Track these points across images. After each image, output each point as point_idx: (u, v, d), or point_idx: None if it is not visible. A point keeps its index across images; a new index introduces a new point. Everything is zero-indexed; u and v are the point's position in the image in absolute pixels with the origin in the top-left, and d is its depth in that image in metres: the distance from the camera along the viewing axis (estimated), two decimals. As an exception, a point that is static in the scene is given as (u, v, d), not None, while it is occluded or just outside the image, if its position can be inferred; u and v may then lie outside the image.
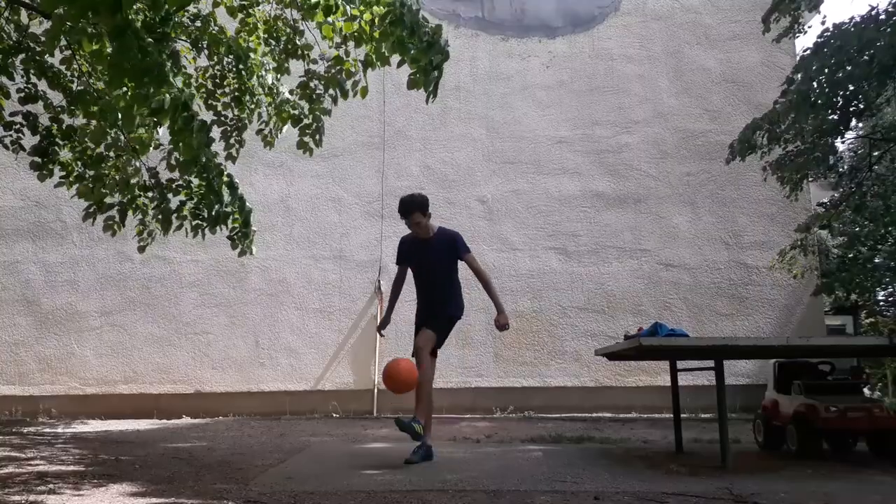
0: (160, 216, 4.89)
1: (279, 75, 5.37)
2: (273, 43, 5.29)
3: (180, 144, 3.52)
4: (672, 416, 5.50)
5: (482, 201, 9.33)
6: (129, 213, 5.08)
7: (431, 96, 4.10)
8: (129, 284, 9.16)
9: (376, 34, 4.03)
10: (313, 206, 9.33)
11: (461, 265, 4.92)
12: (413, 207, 4.82)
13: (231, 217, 4.77)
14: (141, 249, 5.30)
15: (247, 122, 5.48)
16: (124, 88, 3.14)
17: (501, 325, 4.78)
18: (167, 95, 3.18)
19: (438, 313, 4.84)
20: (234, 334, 9.00)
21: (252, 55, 5.16)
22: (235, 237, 5.04)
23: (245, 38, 5.20)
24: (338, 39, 4.37)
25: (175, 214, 4.93)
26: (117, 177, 4.95)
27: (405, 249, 5.02)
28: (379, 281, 8.96)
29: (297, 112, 5.33)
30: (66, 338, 9.05)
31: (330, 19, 4.13)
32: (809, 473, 4.18)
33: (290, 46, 5.33)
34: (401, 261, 5.04)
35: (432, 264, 4.85)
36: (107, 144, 4.89)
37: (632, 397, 8.62)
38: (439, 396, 8.69)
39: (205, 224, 4.85)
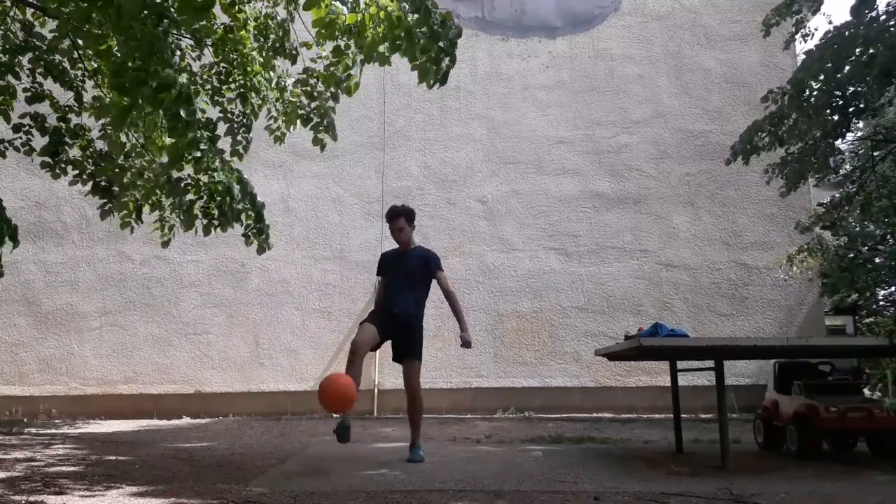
0: (180, 212, 4.90)
1: (272, 74, 5.36)
2: (262, 40, 5.28)
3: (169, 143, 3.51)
4: (672, 416, 5.51)
5: (482, 201, 9.33)
6: (147, 208, 5.10)
7: (439, 83, 4.04)
8: (129, 285, 9.16)
9: (381, 28, 3.99)
10: (313, 207, 9.33)
11: (433, 293, 5.01)
12: (401, 213, 5.01)
13: (245, 213, 4.80)
14: (164, 244, 5.32)
15: (252, 118, 5.48)
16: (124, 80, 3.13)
17: (465, 341, 4.93)
18: (171, 73, 3.15)
19: (413, 326, 4.90)
20: (234, 334, 9.00)
21: (242, 49, 5.14)
22: (250, 234, 5.07)
23: (235, 33, 5.18)
24: (340, 37, 4.33)
25: (184, 212, 4.95)
26: (138, 182, 4.95)
27: (382, 263, 5.20)
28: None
29: (304, 112, 5.33)
30: (66, 338, 9.05)
31: (335, 8, 4.08)
32: (809, 473, 4.19)
33: (277, 45, 5.32)
34: (379, 272, 5.21)
35: (406, 275, 4.94)
36: (121, 145, 4.89)
37: (632, 397, 8.62)
38: (440, 396, 8.73)
39: (217, 222, 4.87)
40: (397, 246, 5.11)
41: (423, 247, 5.20)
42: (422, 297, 4.98)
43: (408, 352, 4.90)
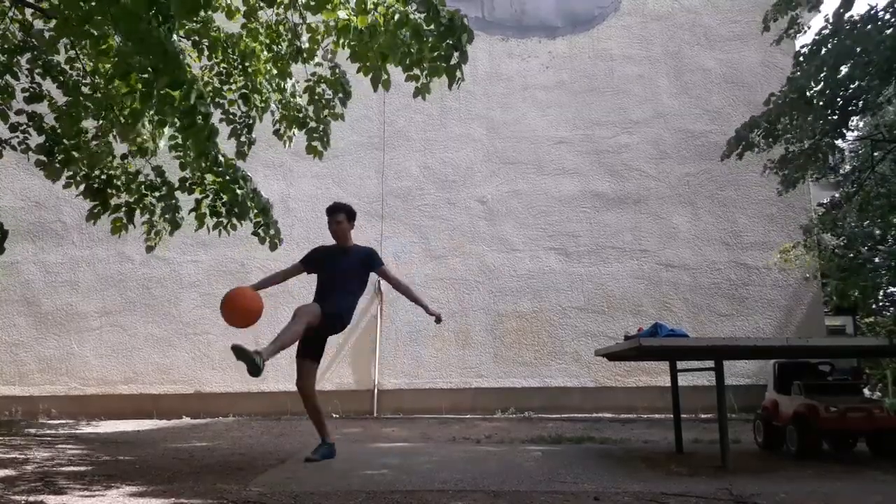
0: (167, 216, 4.92)
1: (282, 81, 5.36)
2: (275, 48, 5.28)
3: (188, 141, 3.53)
4: (672, 416, 5.51)
5: (482, 201, 9.33)
6: (137, 212, 5.11)
7: (457, 83, 4.05)
8: (129, 285, 9.16)
9: (390, 26, 4.00)
10: (313, 207, 9.32)
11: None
12: (342, 208, 4.87)
13: (251, 210, 4.81)
14: (149, 249, 5.32)
15: (258, 119, 5.49)
16: (132, 83, 3.15)
17: (437, 316, 4.78)
18: (188, 77, 3.18)
19: (330, 329, 4.79)
20: (234, 334, 8.97)
21: (255, 60, 5.16)
22: (260, 231, 5.09)
23: (248, 42, 5.18)
24: (351, 45, 4.34)
25: (194, 213, 4.96)
26: (123, 178, 4.97)
27: (315, 255, 4.96)
28: (379, 281, 8.95)
29: (302, 115, 5.34)
30: (66, 338, 9.05)
31: (343, 14, 4.10)
32: (809, 473, 4.19)
33: (291, 51, 5.32)
34: (305, 262, 4.95)
35: (344, 273, 4.75)
36: (105, 143, 4.91)
37: (632, 398, 8.62)
38: (440, 396, 8.74)
39: (225, 220, 4.89)
40: (334, 243, 4.93)
41: (360, 245, 5.02)
42: (354, 303, 4.80)
43: (319, 354, 4.87)
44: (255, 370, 4.15)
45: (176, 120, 3.57)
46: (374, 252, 4.96)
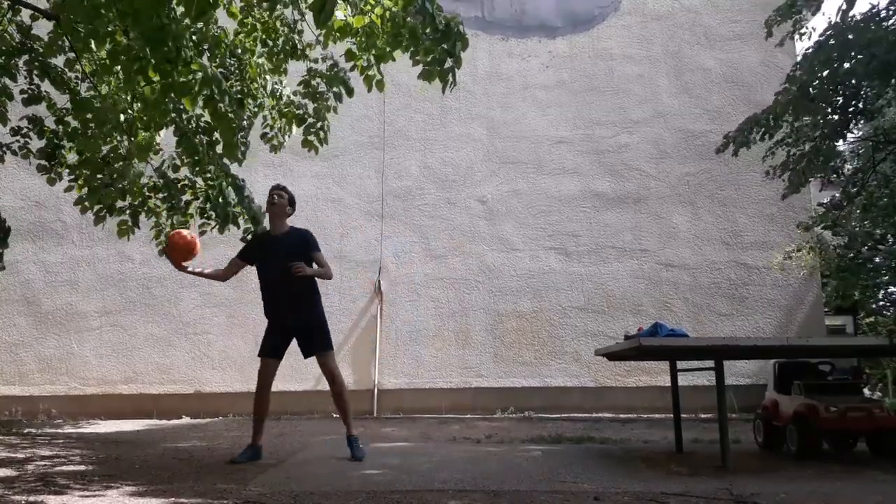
0: (173, 217, 4.93)
1: (277, 77, 5.35)
2: (270, 43, 5.26)
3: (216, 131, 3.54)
4: (672, 416, 5.51)
5: (482, 201, 9.33)
6: (142, 215, 5.11)
7: (450, 87, 4.06)
8: (129, 284, 9.16)
9: (387, 27, 4.02)
10: (313, 207, 9.33)
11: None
12: (283, 189, 4.99)
13: (241, 217, 4.82)
14: (161, 252, 5.31)
15: (247, 124, 5.47)
16: (150, 75, 3.16)
17: (298, 268, 4.64)
18: (209, 68, 3.21)
19: (313, 326, 4.95)
20: (234, 334, 9.00)
21: (249, 56, 5.14)
22: (249, 237, 5.10)
23: (242, 39, 5.17)
24: (349, 39, 4.35)
25: (181, 213, 4.97)
26: (125, 182, 4.96)
27: (252, 246, 5.00)
28: (379, 281, 8.96)
29: (301, 112, 5.33)
30: (66, 338, 9.05)
31: (341, 14, 4.11)
32: (809, 473, 4.19)
33: (287, 47, 5.30)
34: (241, 256, 5.05)
35: (281, 262, 4.71)
36: (108, 148, 4.89)
37: (632, 397, 8.62)
38: (440, 396, 8.74)
39: (213, 224, 4.90)
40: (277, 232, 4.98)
41: (296, 228, 5.00)
42: (309, 289, 4.82)
43: (317, 347, 4.96)
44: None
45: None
46: (311, 234, 4.92)
